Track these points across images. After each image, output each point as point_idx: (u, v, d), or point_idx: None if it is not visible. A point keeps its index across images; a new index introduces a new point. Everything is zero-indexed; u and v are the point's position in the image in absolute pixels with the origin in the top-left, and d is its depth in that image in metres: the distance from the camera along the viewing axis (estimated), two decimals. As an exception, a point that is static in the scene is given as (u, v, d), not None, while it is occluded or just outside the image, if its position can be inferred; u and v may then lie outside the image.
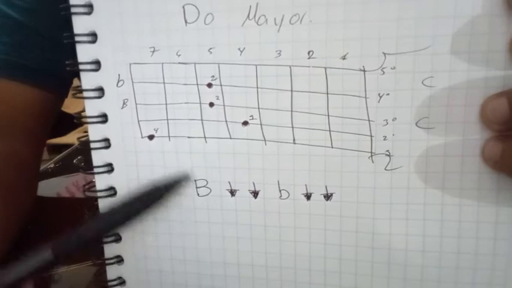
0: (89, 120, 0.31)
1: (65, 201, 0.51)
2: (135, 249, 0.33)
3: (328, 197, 0.28)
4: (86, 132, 0.32)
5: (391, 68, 0.25)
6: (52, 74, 0.41)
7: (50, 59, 0.40)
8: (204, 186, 0.30)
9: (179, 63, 0.29)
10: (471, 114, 0.25)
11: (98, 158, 0.32)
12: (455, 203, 0.26)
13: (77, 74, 0.31)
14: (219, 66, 0.28)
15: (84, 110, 0.31)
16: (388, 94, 0.26)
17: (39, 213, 0.40)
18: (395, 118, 0.26)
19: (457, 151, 0.26)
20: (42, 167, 0.58)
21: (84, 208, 0.33)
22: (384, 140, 0.26)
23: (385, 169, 0.27)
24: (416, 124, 0.26)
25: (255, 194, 0.29)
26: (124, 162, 0.31)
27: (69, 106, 0.45)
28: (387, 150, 0.27)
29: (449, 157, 0.26)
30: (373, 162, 0.27)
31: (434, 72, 0.25)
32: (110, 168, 0.32)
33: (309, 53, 0.26)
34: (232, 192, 0.30)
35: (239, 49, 0.27)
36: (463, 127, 0.25)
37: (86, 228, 0.24)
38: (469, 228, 0.26)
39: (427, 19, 0.24)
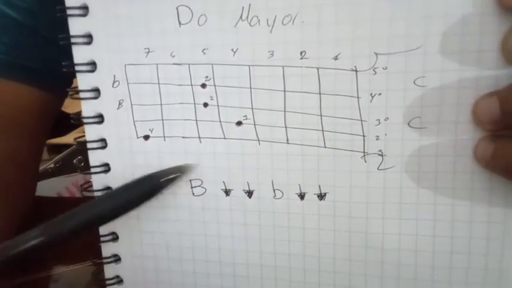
0: (85, 120, 0.31)
1: (65, 201, 0.52)
2: (132, 248, 0.33)
3: (321, 196, 0.28)
4: (85, 132, 0.32)
5: (383, 68, 0.25)
6: (52, 74, 0.41)
7: (50, 59, 0.40)
8: (199, 186, 0.30)
9: (173, 64, 0.29)
10: (463, 114, 0.25)
11: (95, 158, 0.32)
12: (447, 203, 0.26)
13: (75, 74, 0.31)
14: (212, 67, 0.28)
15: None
16: (380, 94, 0.26)
17: (39, 213, 0.41)
18: (388, 118, 0.26)
19: (449, 151, 0.26)
20: (42, 167, 0.58)
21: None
22: (377, 139, 0.27)
23: (378, 169, 0.27)
24: (408, 124, 0.26)
25: (250, 193, 0.30)
26: (120, 162, 0.32)
27: (69, 106, 0.46)
28: (380, 150, 0.27)
29: (442, 157, 0.26)
30: (365, 162, 0.27)
31: (425, 72, 0.25)
32: (106, 168, 0.32)
33: (301, 53, 0.26)
34: (227, 192, 0.30)
35: (232, 50, 0.28)
36: (455, 127, 0.25)
37: (79, 213, 0.24)
38: (461, 227, 0.26)
39: (418, 19, 0.24)
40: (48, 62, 0.40)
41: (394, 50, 0.25)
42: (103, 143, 0.31)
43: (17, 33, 0.39)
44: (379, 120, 0.26)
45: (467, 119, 0.25)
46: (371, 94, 0.26)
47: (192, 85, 0.29)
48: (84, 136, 0.32)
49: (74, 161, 0.60)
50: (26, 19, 0.39)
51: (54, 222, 0.24)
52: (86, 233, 0.25)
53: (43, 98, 0.42)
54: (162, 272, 0.33)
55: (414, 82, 0.25)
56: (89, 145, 0.31)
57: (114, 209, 0.24)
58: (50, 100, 0.42)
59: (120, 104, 0.30)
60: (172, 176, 0.26)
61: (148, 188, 0.25)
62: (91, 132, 0.31)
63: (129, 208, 0.24)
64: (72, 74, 0.31)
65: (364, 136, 0.27)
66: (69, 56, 0.31)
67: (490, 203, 0.26)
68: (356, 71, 0.26)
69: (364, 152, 0.27)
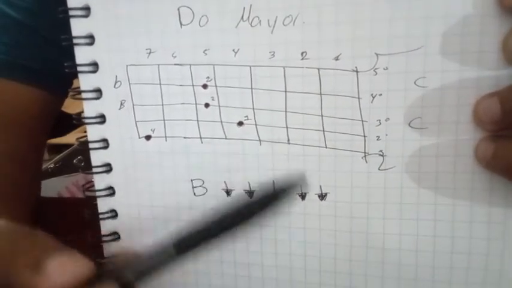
0: (87, 121, 0.31)
1: (65, 201, 0.52)
2: (134, 248, 0.33)
3: (322, 196, 0.28)
4: (86, 132, 0.32)
5: (384, 69, 0.26)
6: (52, 74, 0.41)
7: (50, 59, 0.40)
8: (200, 186, 0.30)
9: (175, 64, 0.29)
10: (464, 114, 0.25)
11: (97, 158, 0.32)
12: (448, 203, 0.26)
13: (77, 74, 0.31)
14: (213, 68, 0.28)
15: (83, 111, 0.32)
16: (380, 94, 0.26)
17: (39, 213, 0.41)
18: (388, 118, 0.26)
19: (450, 151, 0.26)
20: (43, 167, 0.58)
21: (84, 208, 0.33)
22: (377, 140, 0.27)
23: (379, 169, 0.27)
24: (409, 124, 0.26)
25: (251, 193, 0.30)
26: (122, 162, 0.32)
27: (69, 106, 0.46)
28: (380, 151, 0.27)
29: (442, 157, 0.26)
30: (366, 162, 0.27)
31: (426, 72, 0.25)
32: (108, 168, 0.32)
33: (302, 54, 0.27)
34: (228, 192, 0.30)
35: (233, 50, 0.28)
36: (456, 127, 0.25)
37: (208, 224, 0.24)
38: (462, 228, 0.26)
39: (418, 19, 0.25)
40: (48, 62, 0.40)
41: (395, 50, 0.25)
42: (105, 143, 0.31)
43: (17, 33, 0.39)
44: (379, 120, 0.26)
45: (468, 119, 0.25)
46: (372, 94, 0.26)
47: (193, 85, 0.29)
48: (86, 136, 0.32)
49: (74, 161, 0.60)
50: (26, 19, 0.39)
51: (184, 236, 0.24)
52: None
53: (43, 98, 0.42)
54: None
55: (415, 82, 0.25)
56: (90, 145, 0.32)
57: (237, 222, 0.24)
58: (50, 100, 0.42)
59: (121, 104, 0.31)
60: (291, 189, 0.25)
61: (271, 201, 0.24)
62: (93, 132, 0.31)
63: (251, 223, 0.24)
64: (72, 74, 0.31)
65: (365, 136, 0.27)
66: (70, 56, 0.31)
67: (490, 203, 0.26)
68: (357, 71, 0.26)
69: (365, 153, 0.27)
